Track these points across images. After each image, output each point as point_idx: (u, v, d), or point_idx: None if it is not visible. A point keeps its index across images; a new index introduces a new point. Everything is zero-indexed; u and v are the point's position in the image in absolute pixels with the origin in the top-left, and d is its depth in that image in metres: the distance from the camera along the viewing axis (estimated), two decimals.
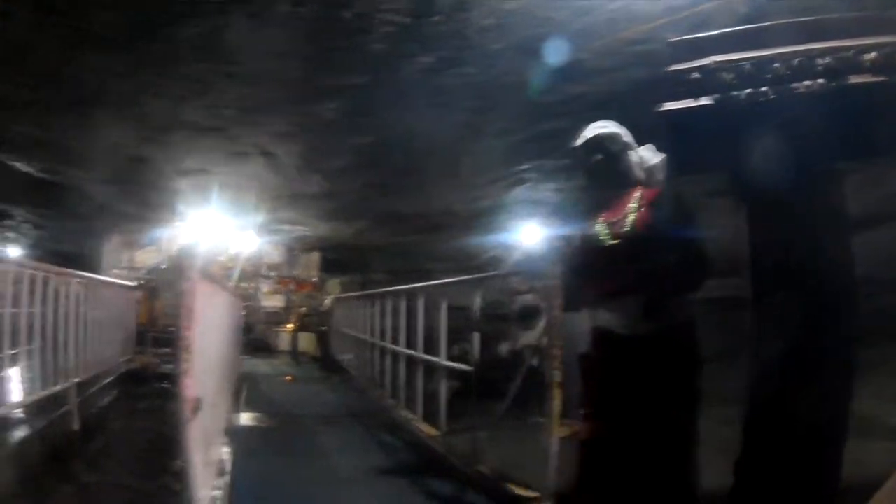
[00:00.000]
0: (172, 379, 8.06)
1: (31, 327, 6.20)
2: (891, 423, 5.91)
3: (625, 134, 3.53)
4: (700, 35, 3.48)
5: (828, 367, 3.27)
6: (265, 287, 21.82)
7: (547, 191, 11.53)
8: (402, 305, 8.25)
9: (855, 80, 3.16)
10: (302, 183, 11.78)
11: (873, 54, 3.12)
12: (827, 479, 3.27)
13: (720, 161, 3.66)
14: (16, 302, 5.97)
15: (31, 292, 5.99)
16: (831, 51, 3.18)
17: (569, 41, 6.60)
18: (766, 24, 3.71)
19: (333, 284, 19.66)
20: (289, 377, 14.30)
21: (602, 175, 3.50)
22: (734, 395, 3.69)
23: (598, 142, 3.49)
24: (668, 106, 3.35)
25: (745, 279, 3.61)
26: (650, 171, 3.51)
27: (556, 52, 6.80)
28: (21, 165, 11.11)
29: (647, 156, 3.53)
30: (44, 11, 6.24)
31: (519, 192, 11.91)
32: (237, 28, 6.65)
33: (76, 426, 6.36)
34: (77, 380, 6.78)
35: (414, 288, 8.28)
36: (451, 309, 6.75)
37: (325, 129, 9.22)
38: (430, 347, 6.99)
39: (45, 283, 6.17)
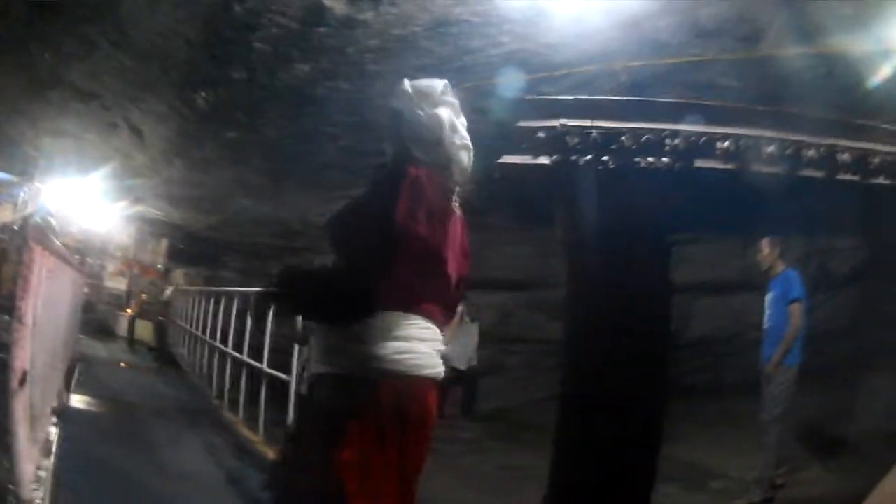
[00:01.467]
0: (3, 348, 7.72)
1: None
2: (725, 470, 6.46)
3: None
4: (555, 98, 3.68)
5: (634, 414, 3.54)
6: (110, 267, 20.93)
7: None
8: (235, 307, 8.23)
9: (701, 164, 3.39)
10: (165, 166, 11.64)
11: (726, 143, 3.35)
12: None
13: (550, 218, 3.89)
14: None
15: None
16: (683, 133, 3.38)
17: (446, 77, 6.82)
18: (622, 98, 4.00)
19: (179, 274, 19.06)
20: (123, 364, 13.80)
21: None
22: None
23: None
24: (507, 159, 3.49)
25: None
26: None
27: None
28: None
29: None
30: None
31: None
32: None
33: None
34: None
35: (248, 292, 8.25)
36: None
37: (197, 116, 9.20)
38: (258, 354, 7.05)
39: None
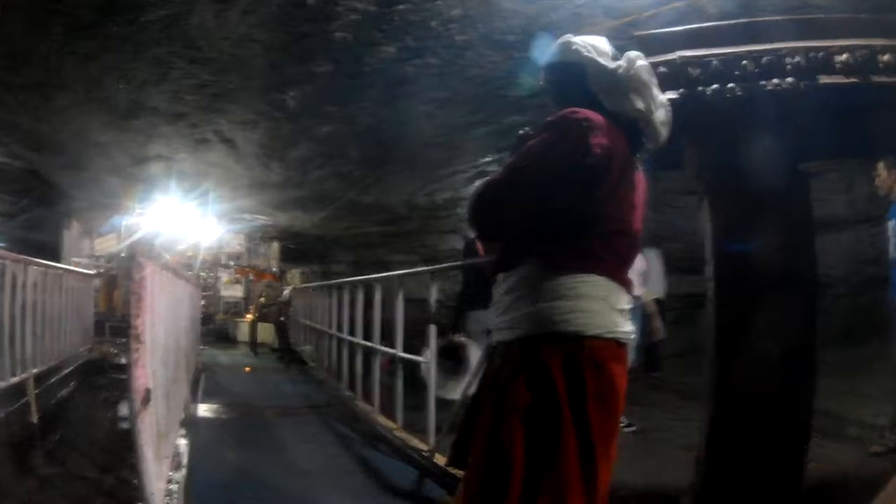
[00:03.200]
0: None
1: None
2: (858, 416, 6.10)
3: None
4: (668, 30, 3.50)
5: (789, 366, 3.29)
6: (225, 277, 21.60)
7: None
8: (360, 296, 8.21)
9: (825, 80, 3.17)
10: (262, 171, 11.69)
11: (845, 56, 3.15)
12: (790, 477, 3.29)
13: (684, 157, 3.66)
14: None
15: None
16: (802, 50, 3.18)
17: (535, 35, 6.58)
18: (734, 21, 3.73)
19: (294, 275, 19.49)
20: (247, 368, 14.16)
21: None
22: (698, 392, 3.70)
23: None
24: None
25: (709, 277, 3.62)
26: None
27: (521, 46, 6.76)
28: None
29: None
30: None
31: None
32: (202, 12, 6.55)
33: (35, 418, 6.24)
34: (35, 370, 6.67)
35: (370, 278, 8.24)
36: (412, 301, 6.70)
37: (286, 117, 9.13)
38: (389, 339, 6.89)
39: (2, 270, 6.04)
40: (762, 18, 3.89)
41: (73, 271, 9.92)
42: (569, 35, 2.43)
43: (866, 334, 6.39)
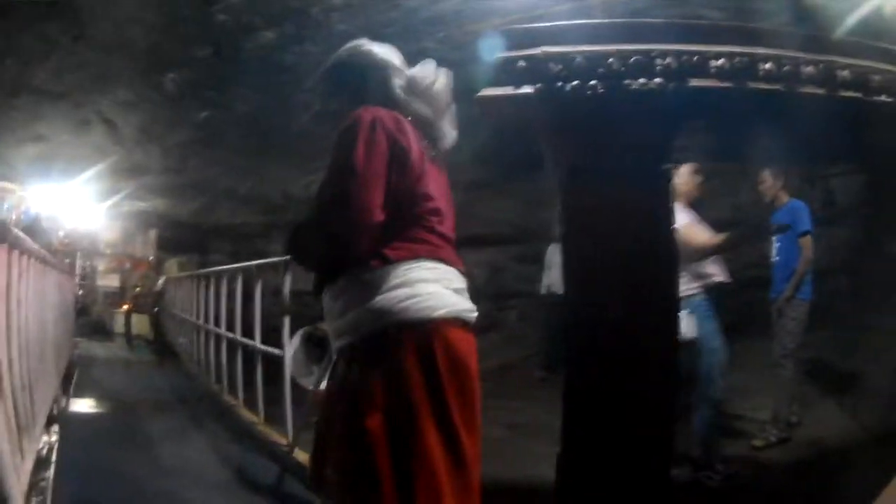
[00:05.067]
0: None
1: None
2: (740, 411, 6.36)
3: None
4: (534, 25, 3.37)
5: (642, 367, 3.30)
6: (102, 265, 20.70)
7: None
8: (224, 287, 8.19)
9: (697, 83, 3.15)
10: (142, 155, 11.50)
11: (721, 61, 3.13)
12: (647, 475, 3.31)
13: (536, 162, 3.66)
14: None
15: None
16: (674, 52, 3.14)
17: (415, 28, 6.65)
18: (606, 20, 3.72)
19: (171, 264, 18.81)
20: (122, 361, 13.67)
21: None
22: None
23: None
24: (487, 92, 3.23)
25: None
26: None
27: (401, 39, 6.81)
28: None
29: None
30: None
31: None
32: None
33: None
34: None
35: (233, 268, 8.13)
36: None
37: (167, 100, 9.08)
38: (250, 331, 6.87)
39: None
40: (635, 20, 3.92)
41: None
42: (363, 39, 2.54)
43: (750, 331, 6.76)
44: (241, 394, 7.29)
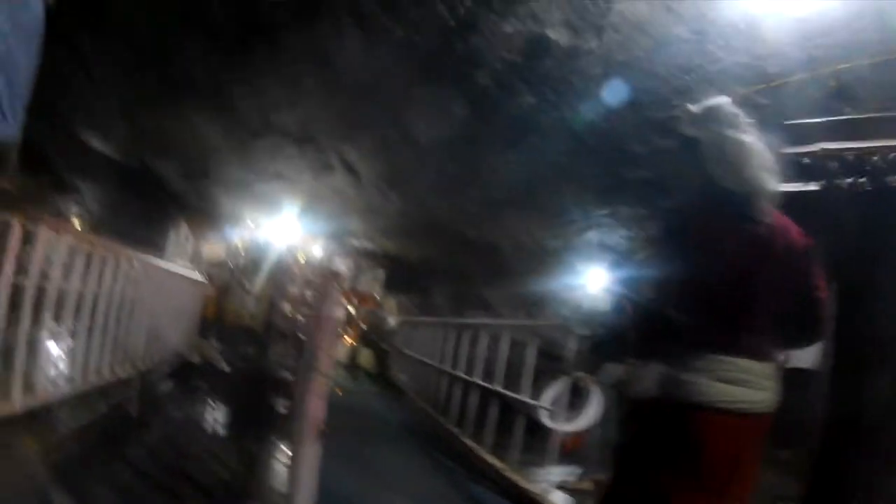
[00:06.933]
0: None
1: (96, 307, 5.57)
2: None
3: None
4: (808, 121, 3.55)
5: None
6: (330, 299, 21.74)
7: (620, 238, 11.51)
8: (481, 339, 8.32)
9: None
10: (379, 198, 11.87)
11: None
12: None
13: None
14: (78, 277, 5.12)
15: (99, 270, 5.46)
16: None
17: (666, 96, 6.73)
18: (866, 115, 3.78)
19: (391, 303, 19.56)
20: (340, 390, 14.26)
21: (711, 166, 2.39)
22: None
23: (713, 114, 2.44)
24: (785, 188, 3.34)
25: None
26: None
27: (654, 106, 6.96)
28: (97, 144, 11.25)
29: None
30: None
31: (591, 235, 11.89)
32: (348, 43, 6.86)
33: (135, 413, 6.32)
34: (143, 368, 6.83)
35: (499, 325, 8.38)
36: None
37: (415, 152, 9.37)
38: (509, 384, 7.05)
39: (116, 262, 5.83)
40: (882, 114, 3.91)
41: (185, 275, 9.99)
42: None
43: None
44: (489, 439, 7.41)
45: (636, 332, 2.47)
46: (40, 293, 4.41)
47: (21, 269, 4.11)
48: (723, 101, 2.46)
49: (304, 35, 6.95)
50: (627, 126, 7.53)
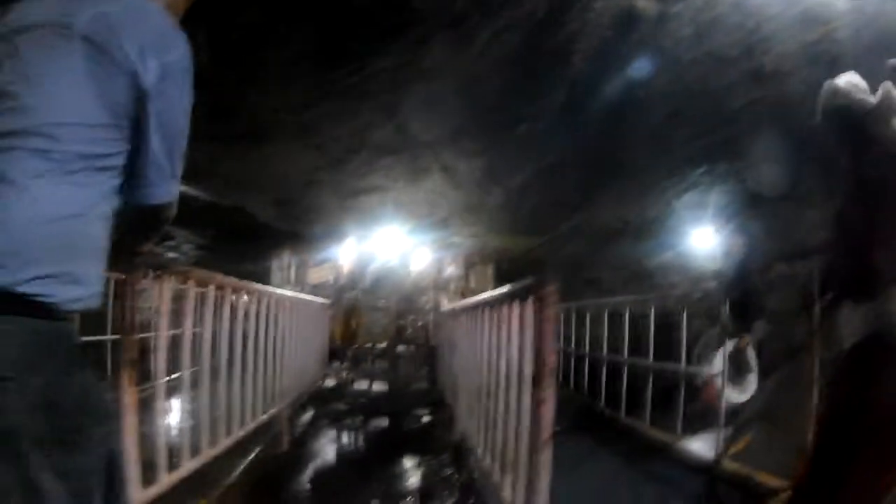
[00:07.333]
0: None
1: (245, 348, 5.55)
2: None
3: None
4: None
5: None
6: (445, 300, 22.04)
7: (719, 194, 11.39)
8: (607, 318, 8.66)
9: None
10: (481, 196, 11.98)
11: None
12: None
13: None
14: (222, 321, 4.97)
15: (232, 310, 5.22)
16: None
17: (751, 53, 6.87)
18: None
19: None
20: None
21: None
22: None
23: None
24: None
25: None
26: None
27: (744, 58, 7.00)
28: (189, 190, 11.05)
29: None
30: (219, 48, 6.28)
31: (690, 196, 11.84)
32: (439, 49, 6.96)
33: (286, 447, 6.52)
34: (288, 401, 6.93)
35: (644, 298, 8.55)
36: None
37: (513, 149, 9.46)
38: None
39: (254, 300, 5.90)
40: None
41: (308, 300, 9.90)
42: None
43: None
44: (648, 415, 7.61)
45: (834, 275, 2.53)
46: (196, 343, 4.44)
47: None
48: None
49: (393, 49, 7.02)
50: (721, 83, 7.54)
